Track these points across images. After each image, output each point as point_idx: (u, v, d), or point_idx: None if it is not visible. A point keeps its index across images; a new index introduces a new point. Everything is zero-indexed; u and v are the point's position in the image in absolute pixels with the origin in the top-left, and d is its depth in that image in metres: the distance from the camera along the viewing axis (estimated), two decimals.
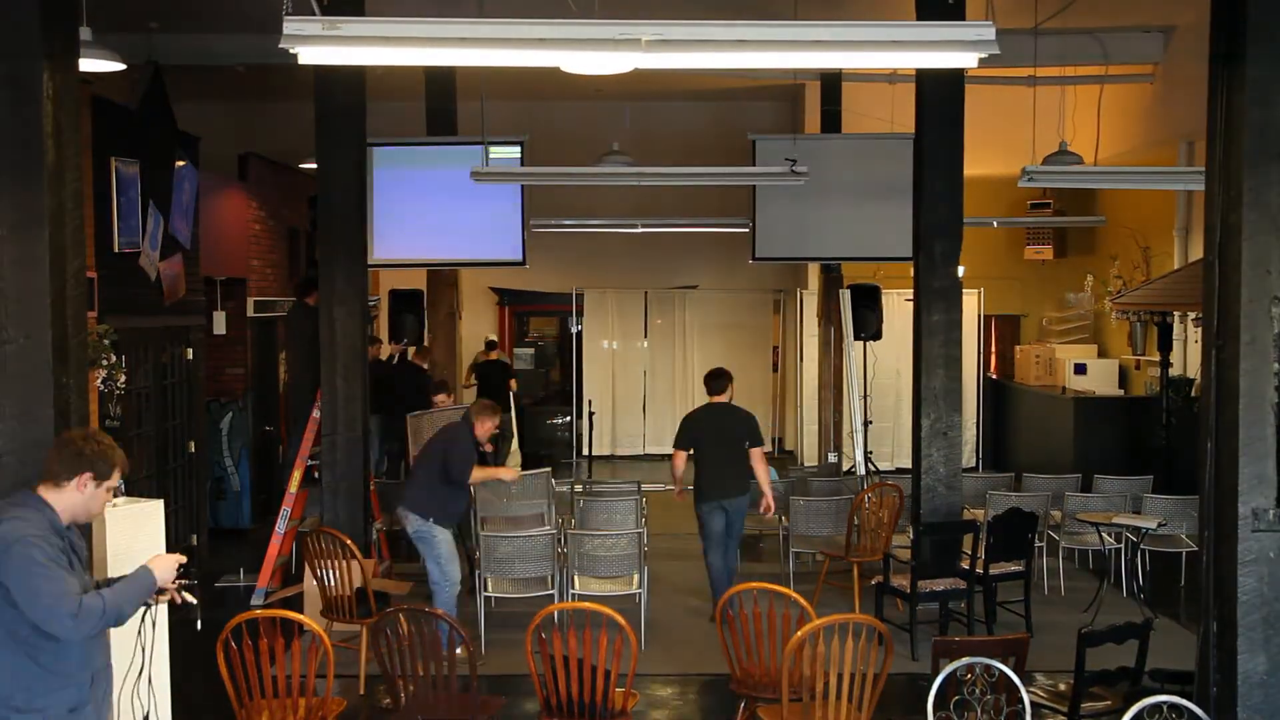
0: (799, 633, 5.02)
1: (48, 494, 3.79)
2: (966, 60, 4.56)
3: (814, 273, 14.56)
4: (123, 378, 8.31)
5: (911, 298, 9.05)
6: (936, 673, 4.79)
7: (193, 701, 6.77)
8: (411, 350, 12.24)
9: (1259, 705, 4.54)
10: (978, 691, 4.77)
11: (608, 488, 10.25)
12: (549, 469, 9.95)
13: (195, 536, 10.56)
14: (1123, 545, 9.19)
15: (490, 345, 14.95)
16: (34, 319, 4.26)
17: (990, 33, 4.44)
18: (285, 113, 14.50)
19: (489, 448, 8.45)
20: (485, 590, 7.91)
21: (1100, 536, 8.93)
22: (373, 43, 4.54)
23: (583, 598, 7.55)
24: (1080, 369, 13.72)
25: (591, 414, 14.42)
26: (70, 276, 4.42)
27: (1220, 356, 4.65)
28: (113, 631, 5.33)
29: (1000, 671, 4.77)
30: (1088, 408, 12.83)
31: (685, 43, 4.44)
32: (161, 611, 5.79)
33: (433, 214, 11.20)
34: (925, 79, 8.70)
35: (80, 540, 3.97)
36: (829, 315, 13.94)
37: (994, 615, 8.13)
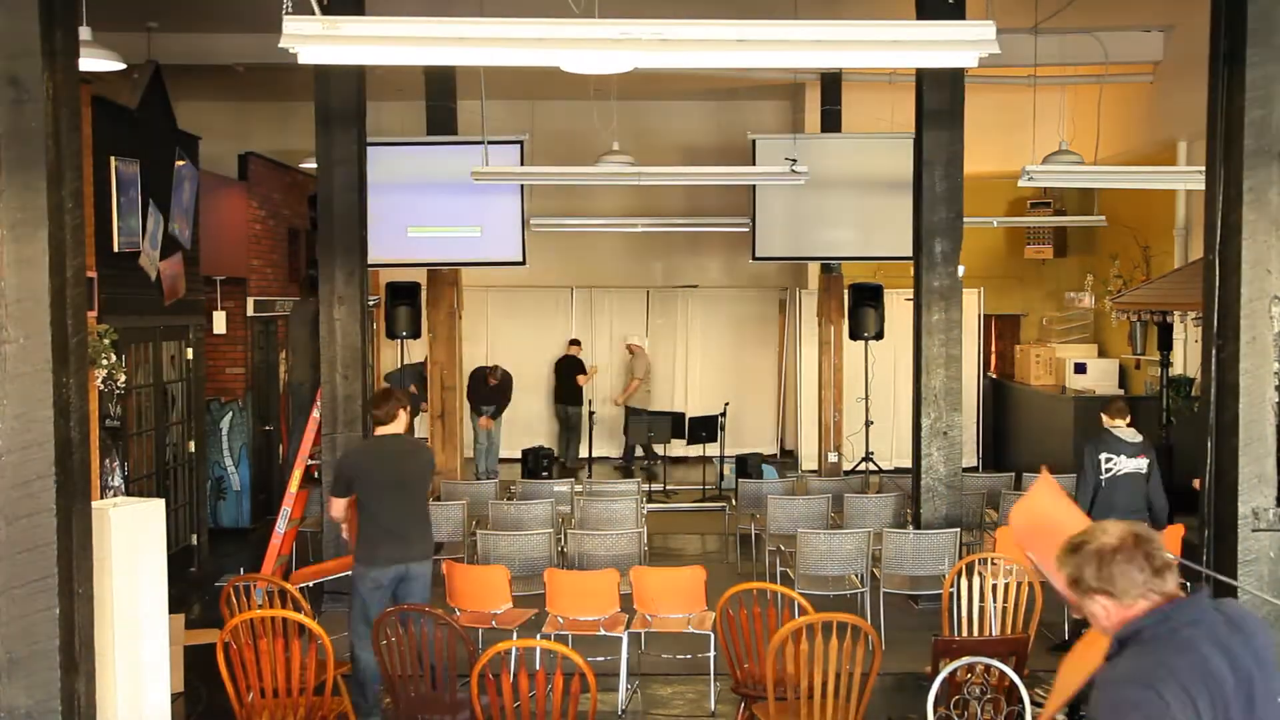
0: (782, 630, 5.02)
1: None
2: (966, 60, 4.57)
3: (814, 273, 14.56)
4: (123, 378, 8.31)
5: (911, 298, 9.05)
6: (936, 673, 4.79)
7: (192, 701, 6.78)
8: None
9: None
10: (978, 691, 4.78)
11: (608, 488, 10.26)
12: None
13: (195, 536, 10.56)
14: None
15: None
16: (34, 319, 4.26)
17: (990, 32, 4.44)
18: (285, 113, 14.52)
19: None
20: None
21: None
22: (372, 43, 4.54)
23: None
24: (1080, 369, 13.71)
25: (592, 413, 14.42)
26: (70, 276, 4.42)
27: (1220, 356, 4.65)
28: (112, 632, 5.34)
29: (1000, 671, 4.77)
30: (1088, 408, 12.81)
31: (685, 42, 4.44)
32: (162, 610, 5.80)
33: (433, 214, 11.21)
34: (925, 79, 8.71)
35: None
36: (827, 315, 13.94)
37: None
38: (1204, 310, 4.78)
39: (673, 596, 6.89)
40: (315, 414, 9.29)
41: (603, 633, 6.80)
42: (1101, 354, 14.53)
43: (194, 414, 10.70)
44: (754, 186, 11.93)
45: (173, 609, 6.24)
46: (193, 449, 10.62)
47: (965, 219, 8.83)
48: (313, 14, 4.68)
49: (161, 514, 5.86)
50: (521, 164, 11.07)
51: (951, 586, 6.59)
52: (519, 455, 14.39)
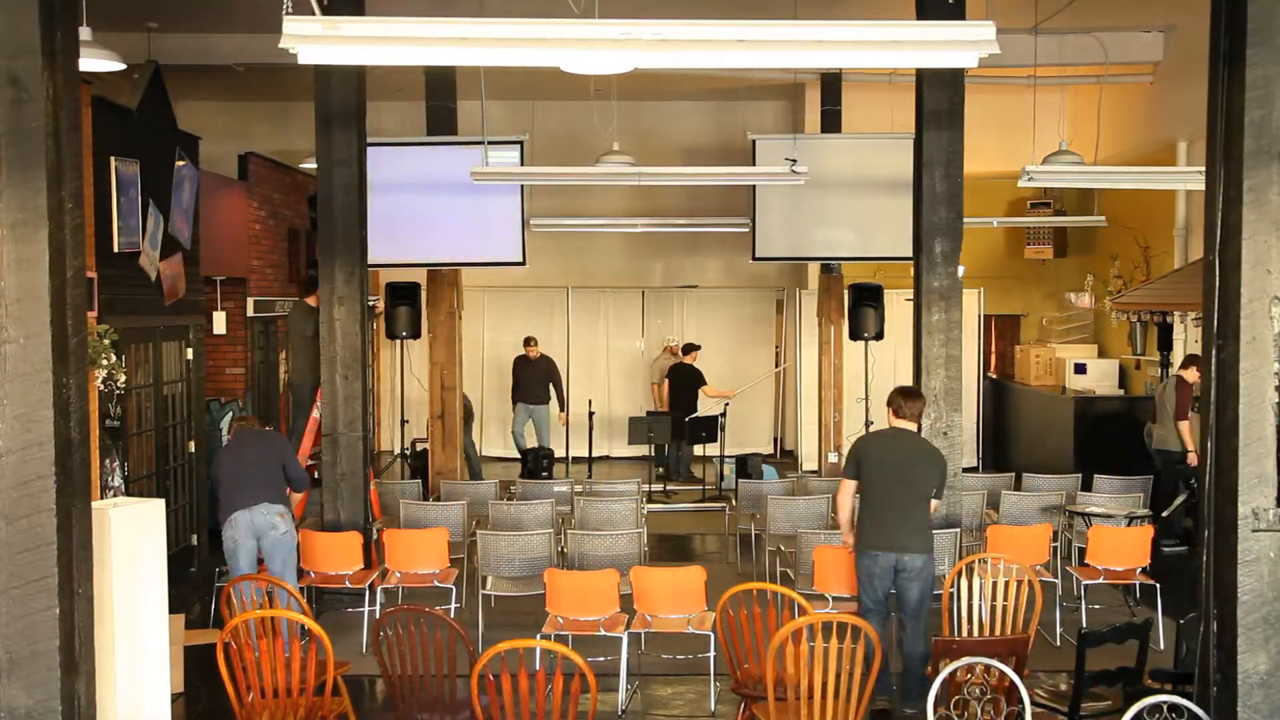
0: (782, 630, 5.02)
1: None
2: (966, 60, 4.56)
3: (814, 273, 14.57)
4: (123, 378, 8.30)
5: (911, 298, 9.05)
6: (936, 673, 4.79)
7: (192, 701, 6.78)
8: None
9: (1259, 705, 4.53)
10: (978, 691, 4.78)
11: (607, 488, 10.26)
12: None
13: (195, 536, 10.56)
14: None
15: (689, 348, 14.73)
16: (34, 319, 4.26)
17: (990, 33, 4.44)
18: (285, 113, 14.53)
19: None
20: (484, 589, 7.92)
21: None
22: (373, 43, 4.54)
23: None
24: (1080, 369, 13.72)
25: (591, 414, 14.42)
26: (70, 276, 4.42)
27: (1220, 356, 4.64)
28: (112, 632, 5.34)
29: (1000, 671, 4.77)
30: (1088, 408, 12.83)
31: (685, 42, 4.44)
32: (162, 610, 5.80)
33: (432, 214, 11.21)
34: (925, 79, 8.71)
35: None
36: (827, 315, 13.94)
37: None
38: (1204, 310, 4.77)
39: (673, 597, 6.89)
40: (315, 414, 9.29)
41: (603, 633, 6.80)
42: (1101, 354, 14.54)
43: (194, 414, 10.69)
44: (754, 187, 11.93)
45: (173, 609, 6.24)
46: (193, 449, 10.62)
47: (965, 219, 8.83)
48: (313, 14, 4.69)
49: (161, 514, 5.86)
50: (521, 164, 11.07)
51: (951, 586, 6.59)
52: (518, 455, 14.41)
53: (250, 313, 12.14)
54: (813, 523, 8.88)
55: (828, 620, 5.03)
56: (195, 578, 9.94)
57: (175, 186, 9.97)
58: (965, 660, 4.81)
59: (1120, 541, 8.14)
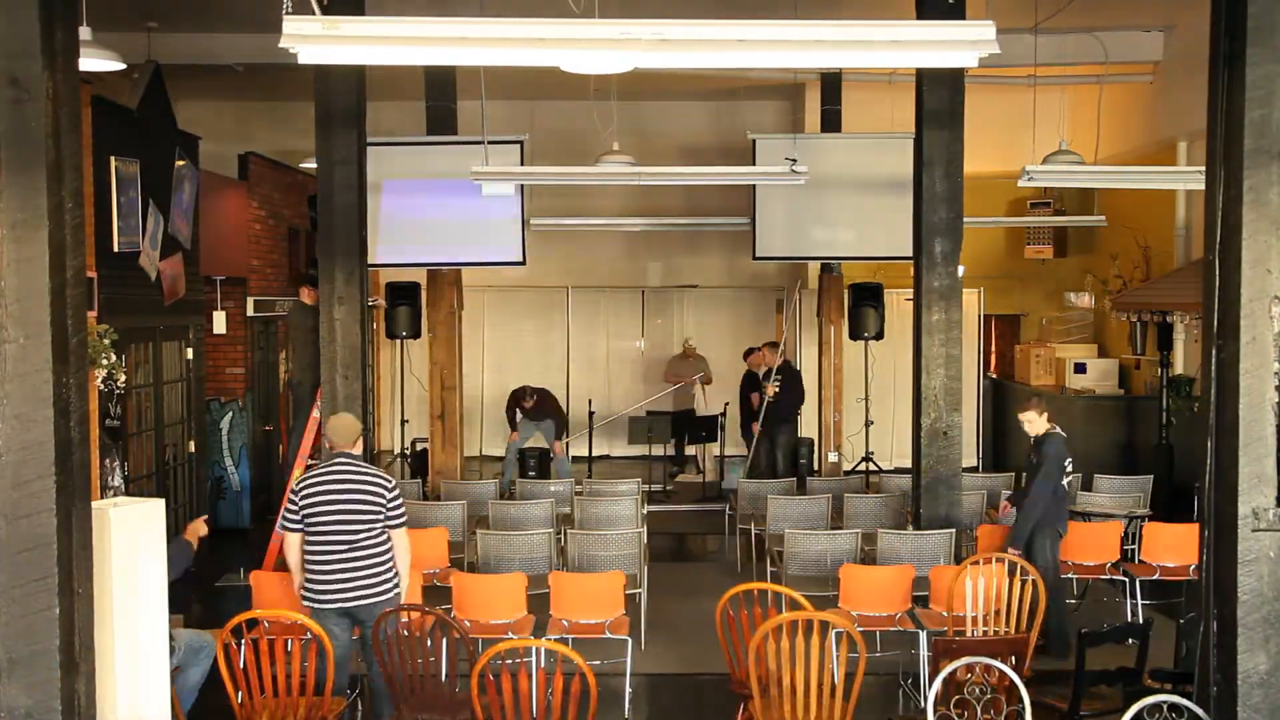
0: (764, 626, 5.02)
1: None
2: (966, 60, 4.56)
3: (814, 272, 14.57)
4: (123, 378, 8.30)
5: (911, 298, 9.06)
6: (936, 672, 4.79)
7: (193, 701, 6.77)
8: None
9: (1259, 705, 4.53)
10: (978, 691, 4.78)
11: (607, 487, 10.26)
12: None
13: None
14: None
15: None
16: (34, 319, 4.26)
17: (990, 32, 4.44)
18: (285, 113, 14.53)
19: None
20: None
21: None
22: (373, 43, 4.54)
23: None
24: (1080, 369, 13.72)
25: (591, 413, 14.42)
26: (70, 276, 4.42)
27: (1220, 356, 4.64)
28: (112, 632, 5.34)
29: (1000, 671, 4.77)
30: (1088, 408, 12.83)
31: (685, 42, 4.44)
32: (162, 610, 5.80)
33: (432, 214, 11.21)
34: (925, 79, 8.71)
35: None
36: (827, 315, 13.94)
37: None
38: (1204, 310, 4.77)
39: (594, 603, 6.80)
40: (315, 414, 9.29)
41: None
42: (1101, 354, 14.53)
43: (194, 414, 10.69)
44: (754, 186, 11.93)
45: (173, 609, 6.23)
46: (193, 449, 10.62)
47: (965, 219, 8.83)
48: (313, 14, 4.69)
49: (161, 514, 5.85)
50: (521, 164, 11.08)
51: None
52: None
53: (250, 312, 12.14)
54: (813, 523, 8.88)
55: (809, 618, 5.02)
56: (195, 577, 9.95)
57: (175, 186, 9.97)
58: (965, 660, 4.81)
59: (1090, 537, 8.20)
